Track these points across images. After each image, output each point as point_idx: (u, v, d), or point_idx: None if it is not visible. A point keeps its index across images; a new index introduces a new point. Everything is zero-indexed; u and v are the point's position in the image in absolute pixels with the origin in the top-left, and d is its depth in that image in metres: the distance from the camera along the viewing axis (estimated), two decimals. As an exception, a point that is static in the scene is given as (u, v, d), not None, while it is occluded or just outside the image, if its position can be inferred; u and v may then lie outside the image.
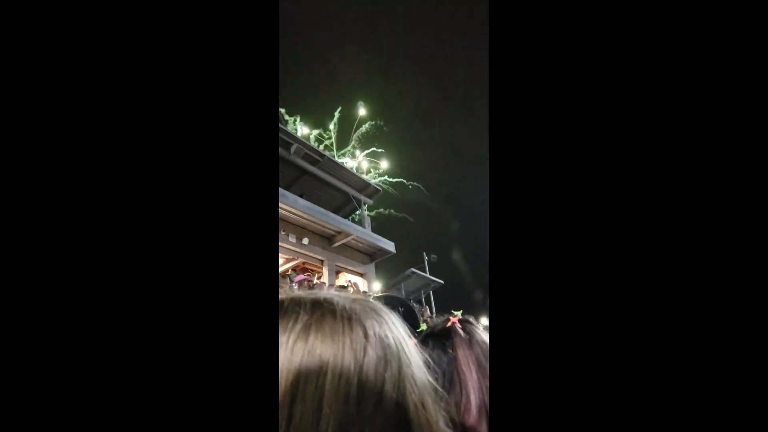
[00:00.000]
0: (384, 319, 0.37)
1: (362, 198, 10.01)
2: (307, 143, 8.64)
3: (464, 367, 0.59)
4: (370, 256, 9.23)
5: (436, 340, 0.62)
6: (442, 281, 10.80)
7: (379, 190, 10.55)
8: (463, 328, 0.64)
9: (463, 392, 0.57)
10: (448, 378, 0.58)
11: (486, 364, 0.59)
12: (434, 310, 9.88)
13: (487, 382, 0.57)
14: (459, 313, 0.69)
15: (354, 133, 13.79)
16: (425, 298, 11.08)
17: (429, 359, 0.50)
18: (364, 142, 13.79)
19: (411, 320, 0.70)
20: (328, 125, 13.50)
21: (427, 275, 10.56)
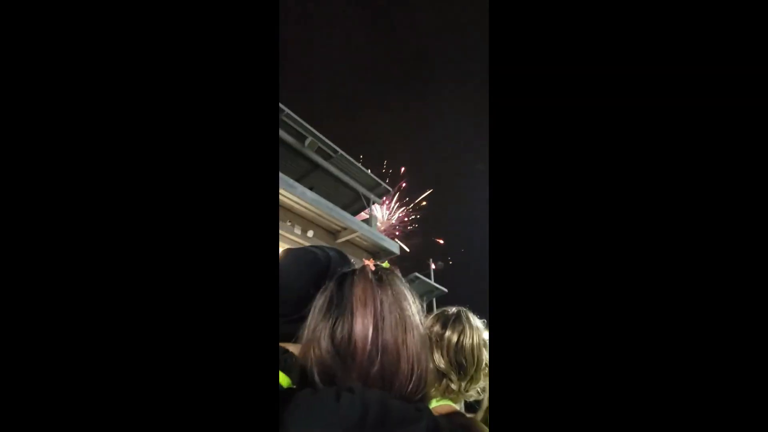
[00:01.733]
0: None
1: (371, 197, 9.93)
2: (322, 137, 8.58)
3: (359, 303, 0.58)
4: (374, 255, 9.10)
5: (346, 275, 0.65)
6: (446, 290, 10.58)
7: (389, 191, 10.44)
8: (376, 272, 0.64)
9: (352, 326, 0.58)
10: (340, 307, 0.59)
11: (391, 314, 0.59)
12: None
13: (383, 323, 0.58)
14: (384, 264, 0.70)
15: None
16: (427, 305, 10.87)
17: (332, 291, 0.62)
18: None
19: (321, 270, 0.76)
20: None
21: (431, 282, 10.37)
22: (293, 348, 0.62)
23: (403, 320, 0.57)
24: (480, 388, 1.07)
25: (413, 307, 0.61)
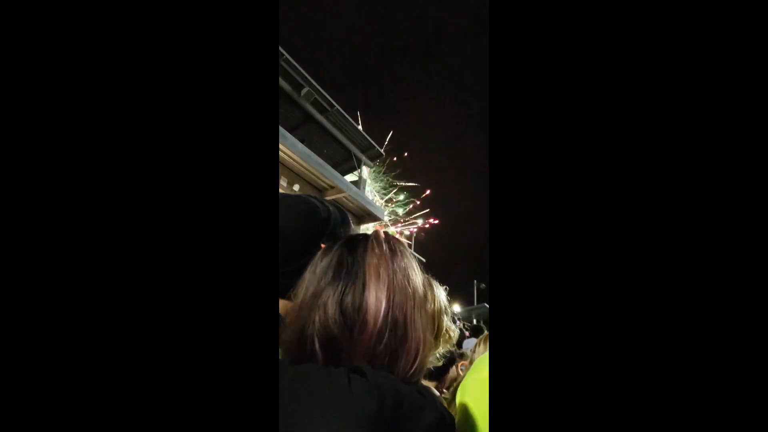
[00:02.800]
0: None
1: (363, 158, 9.79)
2: (320, 89, 8.28)
3: (373, 273, 0.55)
4: (359, 218, 9.12)
5: (357, 239, 0.61)
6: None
7: (382, 154, 10.31)
8: (387, 240, 0.60)
9: (364, 297, 0.55)
10: (351, 274, 0.56)
11: (402, 289, 0.56)
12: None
13: (395, 297, 0.54)
14: (391, 231, 0.62)
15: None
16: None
17: (342, 254, 0.57)
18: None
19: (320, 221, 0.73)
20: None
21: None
22: (281, 304, 0.57)
23: (413, 297, 0.55)
24: (439, 354, 1.09)
25: (420, 280, 0.58)
